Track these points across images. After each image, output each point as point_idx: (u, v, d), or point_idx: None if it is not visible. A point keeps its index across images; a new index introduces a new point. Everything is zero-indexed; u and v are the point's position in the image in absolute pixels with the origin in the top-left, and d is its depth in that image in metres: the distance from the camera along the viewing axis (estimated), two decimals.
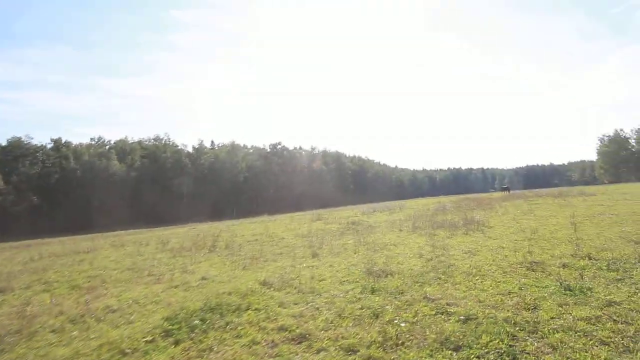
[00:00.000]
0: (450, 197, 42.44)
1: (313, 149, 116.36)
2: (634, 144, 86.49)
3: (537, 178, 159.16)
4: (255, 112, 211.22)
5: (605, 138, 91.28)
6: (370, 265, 7.56)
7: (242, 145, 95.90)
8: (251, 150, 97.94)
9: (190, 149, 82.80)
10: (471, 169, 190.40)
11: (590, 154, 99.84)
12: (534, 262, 6.62)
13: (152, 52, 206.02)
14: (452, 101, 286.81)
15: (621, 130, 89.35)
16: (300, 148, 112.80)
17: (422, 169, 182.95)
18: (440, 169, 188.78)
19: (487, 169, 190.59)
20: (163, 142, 78.96)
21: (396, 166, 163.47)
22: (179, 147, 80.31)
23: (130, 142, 76.49)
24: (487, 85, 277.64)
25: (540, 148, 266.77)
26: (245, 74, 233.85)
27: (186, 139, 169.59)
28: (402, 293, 5.45)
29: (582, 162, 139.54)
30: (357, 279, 6.66)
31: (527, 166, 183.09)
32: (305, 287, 6.38)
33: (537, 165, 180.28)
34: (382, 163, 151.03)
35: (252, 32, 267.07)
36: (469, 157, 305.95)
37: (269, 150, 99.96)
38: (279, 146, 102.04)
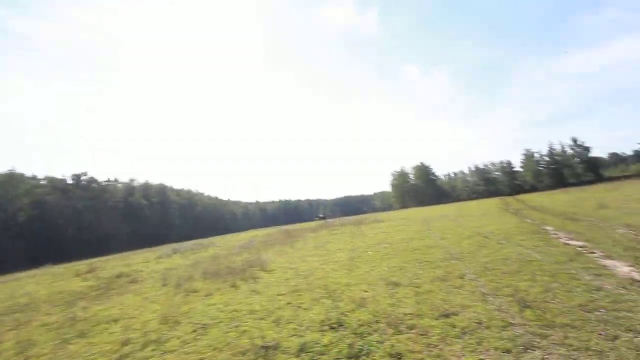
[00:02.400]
0: (270, 229, 41.59)
1: (132, 181, 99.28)
2: (412, 177, 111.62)
3: (352, 206, 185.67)
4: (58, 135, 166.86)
5: (395, 173, 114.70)
6: None
7: (29, 175, 71.59)
8: (43, 182, 74.29)
9: None
10: (299, 200, 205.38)
11: (388, 186, 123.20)
12: (265, 346, 4.20)
13: None
14: (283, 136, 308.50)
15: (404, 167, 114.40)
16: (116, 180, 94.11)
17: (254, 202, 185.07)
18: (272, 201, 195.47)
19: (313, 199, 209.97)
20: None
21: (228, 199, 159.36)
22: None
23: None
24: (315, 123, 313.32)
25: (355, 181, 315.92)
26: (46, 88, 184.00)
27: None
28: None
29: (383, 192, 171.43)
30: None
31: (345, 196, 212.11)
32: None
33: (352, 196, 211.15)
34: (213, 196, 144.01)
35: (55, 36, 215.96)
36: (298, 189, 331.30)
37: (70, 182, 78.46)
38: (84, 177, 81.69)
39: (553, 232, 10.05)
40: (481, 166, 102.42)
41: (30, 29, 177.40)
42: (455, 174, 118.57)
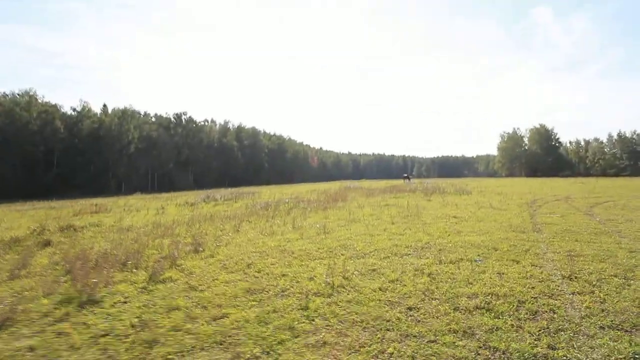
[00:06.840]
0: (331, 185, 36.38)
1: (226, 122, 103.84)
2: (526, 142, 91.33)
3: (451, 168, 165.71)
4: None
5: (505, 135, 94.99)
6: None
7: (141, 112, 79.63)
8: (153, 119, 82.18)
9: (68, 110, 65.53)
10: (393, 155, 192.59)
11: (494, 149, 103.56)
12: None
13: None
14: (381, 91, 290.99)
15: (518, 128, 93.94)
16: (212, 121, 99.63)
17: (347, 152, 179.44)
18: (364, 154, 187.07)
19: (408, 156, 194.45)
20: (27, 98, 59.72)
21: (320, 148, 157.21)
22: (50, 107, 62.09)
23: None
24: (413, 81, 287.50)
25: (456, 140, 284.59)
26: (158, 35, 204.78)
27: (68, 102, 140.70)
28: None
29: (487, 155, 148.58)
30: None
31: (443, 156, 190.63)
32: None
33: (452, 156, 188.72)
34: (304, 143, 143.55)
35: None
36: (393, 144, 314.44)
37: (173, 120, 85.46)
38: (184, 116, 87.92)
39: None
40: (628, 135, 77.39)
41: None
42: (586, 141, 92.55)
